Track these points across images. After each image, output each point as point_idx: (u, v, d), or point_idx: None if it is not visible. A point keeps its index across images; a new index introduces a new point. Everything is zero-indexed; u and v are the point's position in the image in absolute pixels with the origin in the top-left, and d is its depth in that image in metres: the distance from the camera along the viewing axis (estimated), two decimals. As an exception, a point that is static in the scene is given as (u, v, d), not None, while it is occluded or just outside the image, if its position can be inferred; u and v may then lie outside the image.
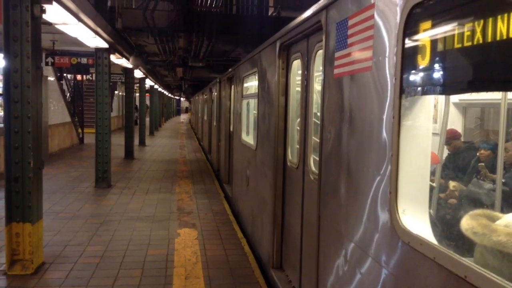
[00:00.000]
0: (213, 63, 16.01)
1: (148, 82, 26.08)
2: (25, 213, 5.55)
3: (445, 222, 4.05)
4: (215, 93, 14.44)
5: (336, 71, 3.29)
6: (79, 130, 21.63)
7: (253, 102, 7.91)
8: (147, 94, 25.91)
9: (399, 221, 2.31)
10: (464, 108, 5.86)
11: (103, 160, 11.08)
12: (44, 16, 5.95)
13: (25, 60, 5.43)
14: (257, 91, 6.64)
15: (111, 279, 5.43)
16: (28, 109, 5.50)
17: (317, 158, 3.85)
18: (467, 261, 1.81)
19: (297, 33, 4.50)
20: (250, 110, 8.49)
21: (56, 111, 18.32)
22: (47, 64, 15.50)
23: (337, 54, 3.27)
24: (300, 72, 4.82)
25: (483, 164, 4.58)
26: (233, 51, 13.64)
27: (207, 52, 13.04)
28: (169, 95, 55.77)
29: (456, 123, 5.71)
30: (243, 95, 8.37)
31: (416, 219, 2.37)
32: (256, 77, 6.79)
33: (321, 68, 3.72)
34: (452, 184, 4.61)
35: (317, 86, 4.28)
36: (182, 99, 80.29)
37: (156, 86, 31.98)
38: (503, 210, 3.46)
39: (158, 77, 27.53)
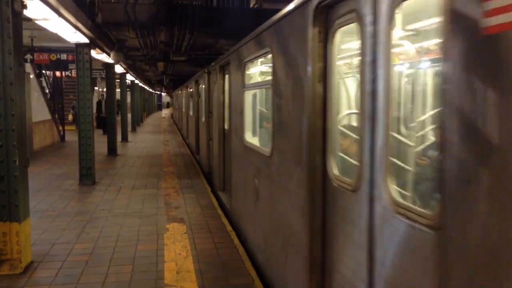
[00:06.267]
0: (195, 57, 15.94)
1: (129, 77, 25.82)
2: (11, 212, 5.47)
3: None
4: (202, 86, 13.12)
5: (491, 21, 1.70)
6: (60, 128, 21.34)
7: (262, 94, 6.87)
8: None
9: None
10: None
11: (86, 157, 10.98)
12: (25, 12, 5.84)
13: (7, 57, 5.33)
14: (271, 78, 4.97)
15: (102, 276, 5.40)
16: (12, 107, 5.40)
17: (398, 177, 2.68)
18: None
19: None
20: (258, 103, 7.14)
21: (36, 108, 18.02)
22: (25, 61, 15.22)
23: None
24: (352, 43, 3.62)
25: None
26: (215, 44, 13.59)
27: (189, 46, 12.97)
28: (150, 90, 55.30)
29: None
30: (246, 85, 6.68)
31: None
32: (269, 59, 5.13)
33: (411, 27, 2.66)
34: None
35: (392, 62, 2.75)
36: (163, 94, 79.72)
37: (137, 81, 31.67)
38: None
39: (139, 72, 27.28)
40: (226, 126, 8.98)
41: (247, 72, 6.72)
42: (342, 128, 3.91)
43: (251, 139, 6.75)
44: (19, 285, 5.14)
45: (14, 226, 5.48)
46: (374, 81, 2.70)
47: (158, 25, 11.05)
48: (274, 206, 4.91)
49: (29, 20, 7.54)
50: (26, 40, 15.04)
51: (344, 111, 4.83)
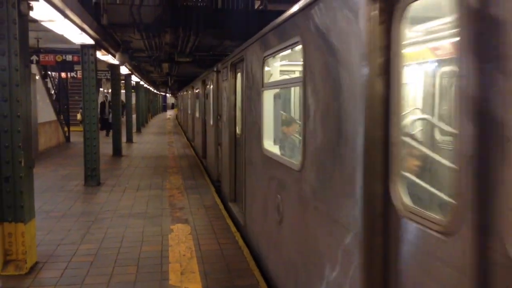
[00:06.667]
0: (199, 58, 15.96)
1: (134, 78, 25.87)
2: (17, 213, 5.50)
3: None
4: (210, 86, 12.12)
5: None
6: (65, 129, 21.40)
7: (285, 94, 6.14)
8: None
9: None
10: None
11: (91, 158, 11.01)
12: (31, 13, 5.87)
13: (13, 58, 5.35)
14: (301, 74, 4.02)
15: (107, 277, 5.41)
16: (17, 108, 5.43)
17: None
18: None
19: None
20: (281, 105, 6.34)
21: (41, 109, 18.09)
22: (31, 62, 15.30)
23: None
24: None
25: None
26: (220, 45, 13.61)
27: (194, 47, 12.98)
28: (155, 91, 55.43)
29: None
30: (265, 84, 5.71)
31: None
32: (299, 50, 4.14)
33: None
34: None
35: None
36: (168, 95, 79.86)
37: (141, 82, 31.74)
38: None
39: (143, 73, 27.33)
40: (238, 131, 8.14)
41: (267, 69, 5.74)
42: (413, 141, 3.05)
43: (272, 147, 5.80)
44: (24, 285, 5.16)
45: (19, 227, 5.50)
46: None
47: (163, 26, 11.06)
48: (306, 234, 3.85)
49: (35, 21, 7.57)
50: (32, 42, 15.10)
51: (411, 116, 3.92)
